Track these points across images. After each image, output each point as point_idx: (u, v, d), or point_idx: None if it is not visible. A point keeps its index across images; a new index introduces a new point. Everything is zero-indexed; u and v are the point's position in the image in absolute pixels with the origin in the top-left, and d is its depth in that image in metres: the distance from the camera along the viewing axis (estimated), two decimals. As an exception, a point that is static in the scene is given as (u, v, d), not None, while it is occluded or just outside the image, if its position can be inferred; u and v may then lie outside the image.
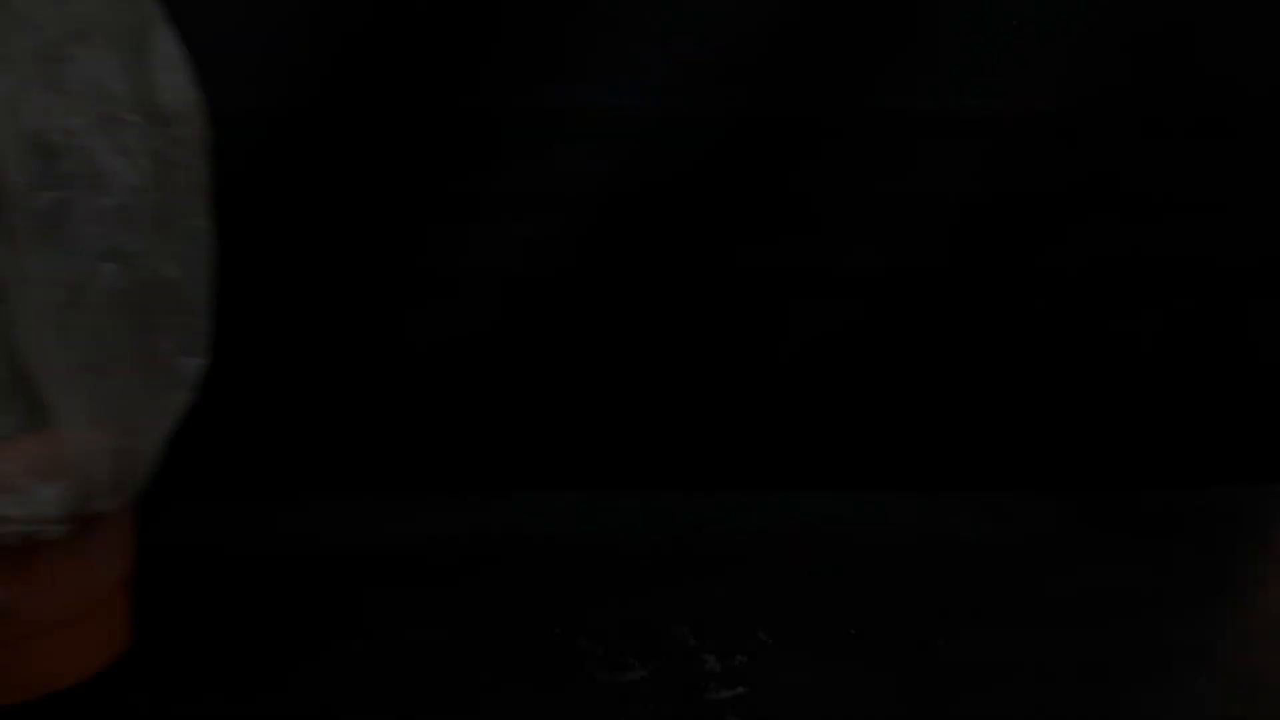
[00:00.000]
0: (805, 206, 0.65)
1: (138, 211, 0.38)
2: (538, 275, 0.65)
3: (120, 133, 0.38)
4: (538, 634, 0.55)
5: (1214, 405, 0.73)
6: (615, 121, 0.61)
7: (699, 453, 0.68)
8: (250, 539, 0.65)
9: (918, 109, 0.63)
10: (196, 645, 0.49)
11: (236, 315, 0.66)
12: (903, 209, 0.64)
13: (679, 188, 0.64)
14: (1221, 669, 0.53)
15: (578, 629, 0.56)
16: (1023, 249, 0.67)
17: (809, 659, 0.54)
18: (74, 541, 0.40)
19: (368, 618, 0.55)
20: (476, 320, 0.67)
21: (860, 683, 0.52)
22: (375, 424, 0.70)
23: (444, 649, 0.55)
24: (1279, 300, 0.70)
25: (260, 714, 0.44)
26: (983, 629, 0.56)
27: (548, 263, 0.64)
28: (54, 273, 0.37)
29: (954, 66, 0.62)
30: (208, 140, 0.41)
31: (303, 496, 0.70)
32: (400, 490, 0.70)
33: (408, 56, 0.60)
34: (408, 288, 0.66)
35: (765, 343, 0.67)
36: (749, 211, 0.65)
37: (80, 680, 0.43)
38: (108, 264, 0.38)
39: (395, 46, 0.60)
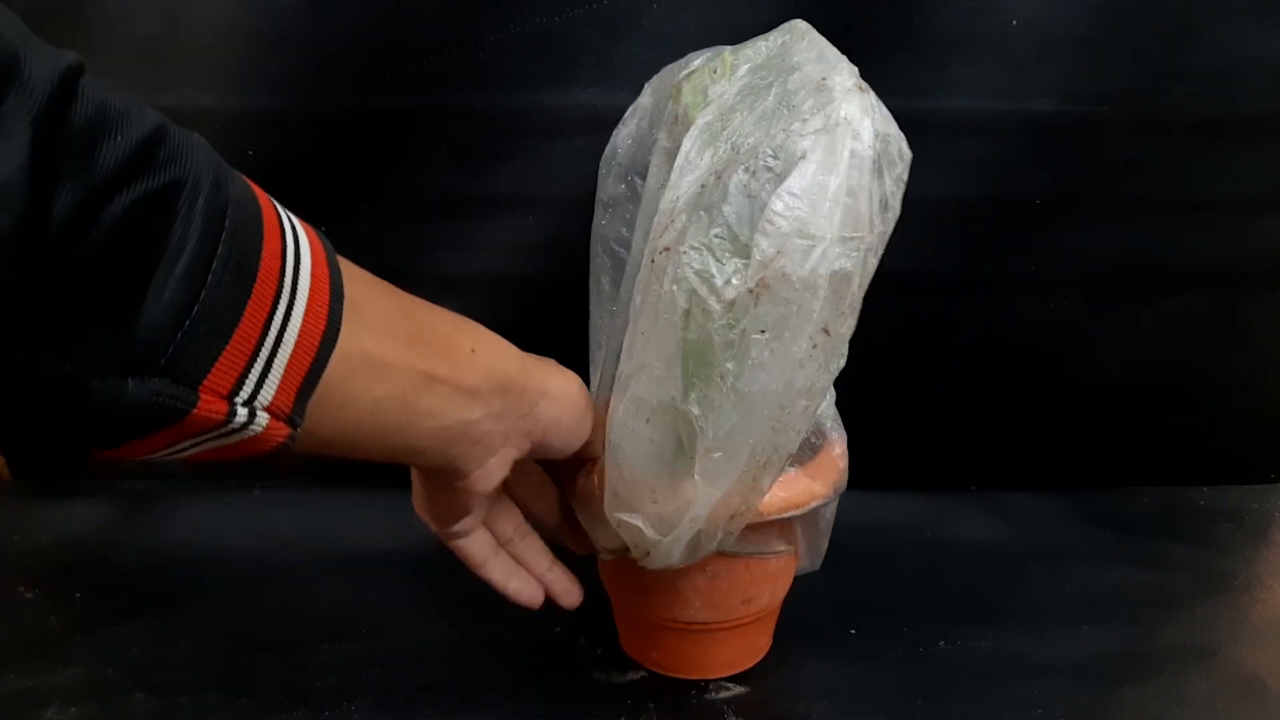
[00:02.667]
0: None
1: (667, 343, 0.40)
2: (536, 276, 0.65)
3: (684, 264, 0.39)
4: (538, 633, 0.55)
5: (1214, 405, 0.73)
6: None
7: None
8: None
9: (918, 109, 0.63)
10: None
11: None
12: (901, 210, 0.64)
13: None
14: (1221, 669, 0.53)
15: (578, 628, 0.56)
16: (1022, 249, 0.67)
17: (809, 659, 0.54)
18: (745, 568, 0.48)
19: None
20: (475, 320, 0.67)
21: (860, 682, 0.52)
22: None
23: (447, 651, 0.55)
24: (1278, 300, 0.70)
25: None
26: (982, 629, 0.56)
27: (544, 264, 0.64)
28: (621, 361, 0.42)
29: (954, 66, 0.62)
30: (791, 297, 0.38)
31: (301, 492, 0.70)
32: (399, 489, 0.70)
33: (404, 56, 0.61)
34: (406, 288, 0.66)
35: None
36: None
37: (740, 671, 0.53)
38: (640, 374, 0.41)
39: (392, 46, 0.60)
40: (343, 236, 0.64)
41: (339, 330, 0.32)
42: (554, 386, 0.42)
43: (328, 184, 0.63)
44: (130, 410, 0.27)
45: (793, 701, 0.51)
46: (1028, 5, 0.61)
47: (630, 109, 0.51)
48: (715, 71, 0.43)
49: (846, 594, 0.59)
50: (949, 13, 0.61)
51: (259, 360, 0.29)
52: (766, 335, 0.39)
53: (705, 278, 0.38)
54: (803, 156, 0.38)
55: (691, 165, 0.40)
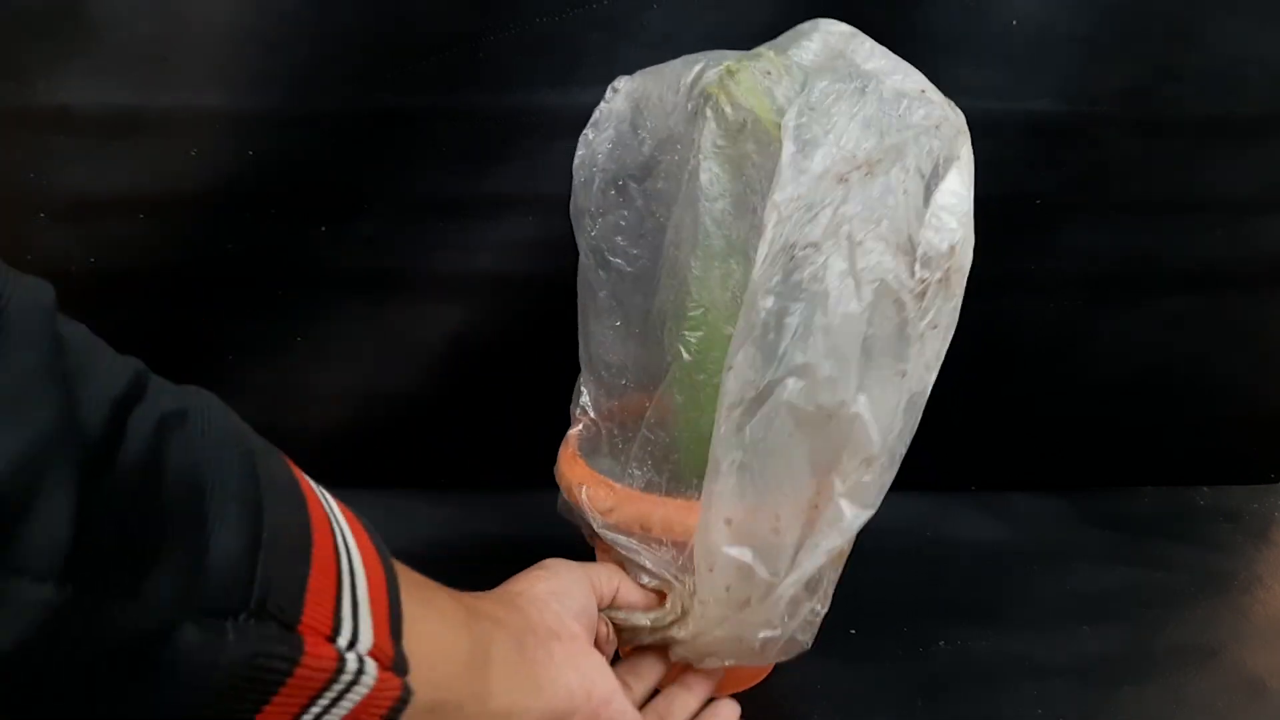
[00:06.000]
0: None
1: (844, 339, 0.37)
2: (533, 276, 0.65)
3: (859, 257, 0.37)
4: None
5: (1214, 405, 0.73)
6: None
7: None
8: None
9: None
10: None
11: (240, 310, 0.66)
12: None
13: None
14: (1221, 669, 0.53)
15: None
16: (1022, 249, 0.67)
17: (809, 659, 0.54)
18: None
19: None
20: (475, 320, 0.67)
21: (860, 682, 0.52)
22: (375, 422, 0.70)
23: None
24: (1278, 300, 0.70)
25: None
26: (982, 629, 0.56)
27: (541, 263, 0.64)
28: (747, 370, 0.38)
29: (954, 66, 0.62)
30: (957, 293, 0.38)
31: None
32: (399, 490, 0.70)
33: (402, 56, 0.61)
34: (406, 288, 0.66)
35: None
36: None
37: (747, 688, 0.51)
38: (794, 379, 0.37)
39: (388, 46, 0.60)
40: (343, 236, 0.64)
41: (389, 554, 0.28)
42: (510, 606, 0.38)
43: (328, 184, 0.63)
44: (227, 673, 0.20)
45: (793, 701, 0.51)
46: (1028, 5, 0.61)
47: (599, 113, 0.49)
48: (769, 74, 0.42)
49: (846, 594, 0.59)
50: (949, 13, 0.61)
51: (345, 589, 0.24)
52: (938, 330, 0.38)
53: (888, 269, 0.37)
54: (954, 159, 0.38)
55: (801, 167, 0.38)
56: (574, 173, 0.49)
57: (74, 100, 0.60)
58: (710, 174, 0.43)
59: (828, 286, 0.37)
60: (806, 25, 0.44)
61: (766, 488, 0.38)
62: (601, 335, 0.49)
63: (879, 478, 0.39)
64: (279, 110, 0.61)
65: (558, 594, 0.39)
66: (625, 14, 0.60)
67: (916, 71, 0.41)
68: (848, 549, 0.41)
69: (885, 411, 0.38)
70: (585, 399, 0.51)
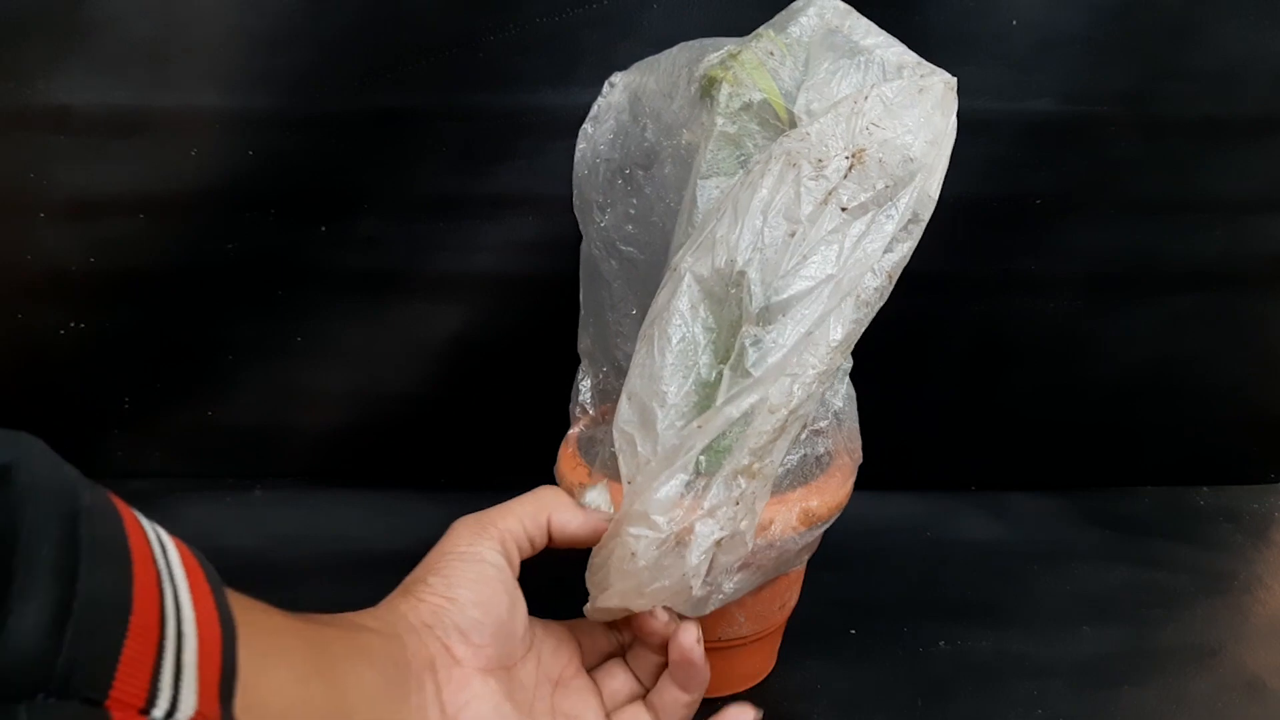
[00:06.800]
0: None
1: (743, 206, 0.38)
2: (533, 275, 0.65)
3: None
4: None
5: (1214, 405, 0.73)
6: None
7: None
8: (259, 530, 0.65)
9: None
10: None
11: (240, 310, 0.66)
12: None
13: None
14: (1221, 669, 0.53)
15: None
16: (1022, 249, 0.67)
17: (809, 659, 0.54)
18: (785, 574, 0.47)
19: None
20: (475, 320, 0.67)
21: (860, 683, 0.52)
22: (375, 422, 0.70)
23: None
24: (1278, 300, 0.70)
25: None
26: (982, 629, 0.56)
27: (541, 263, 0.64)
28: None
29: (954, 66, 0.62)
30: (875, 187, 0.38)
31: (301, 492, 0.70)
32: (399, 490, 0.70)
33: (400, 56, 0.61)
34: (406, 288, 0.66)
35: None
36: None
37: (748, 688, 0.51)
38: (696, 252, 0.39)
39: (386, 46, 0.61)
40: (343, 236, 0.64)
41: (230, 610, 0.27)
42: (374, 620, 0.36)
43: (328, 184, 0.63)
44: None
45: (793, 701, 0.51)
46: (1028, 5, 0.61)
47: (597, 108, 0.49)
48: (773, 54, 0.42)
49: (846, 594, 0.59)
50: (949, 13, 0.61)
51: (167, 656, 0.23)
52: (846, 214, 0.38)
53: (805, 149, 0.38)
54: (921, 91, 0.38)
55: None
56: (575, 166, 0.49)
57: (74, 100, 0.60)
58: (713, 155, 0.43)
59: (756, 171, 0.39)
60: (800, 2, 0.44)
61: (666, 364, 0.39)
62: (618, 325, 0.49)
63: (767, 354, 0.38)
64: (279, 110, 0.61)
65: (442, 609, 0.37)
66: (624, 13, 0.60)
67: (907, 49, 0.42)
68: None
69: (774, 274, 0.37)
70: (585, 396, 0.51)
